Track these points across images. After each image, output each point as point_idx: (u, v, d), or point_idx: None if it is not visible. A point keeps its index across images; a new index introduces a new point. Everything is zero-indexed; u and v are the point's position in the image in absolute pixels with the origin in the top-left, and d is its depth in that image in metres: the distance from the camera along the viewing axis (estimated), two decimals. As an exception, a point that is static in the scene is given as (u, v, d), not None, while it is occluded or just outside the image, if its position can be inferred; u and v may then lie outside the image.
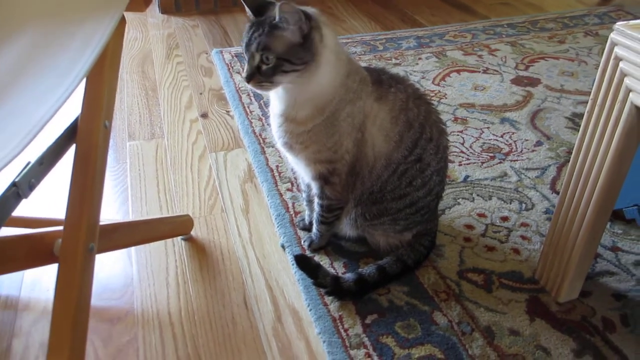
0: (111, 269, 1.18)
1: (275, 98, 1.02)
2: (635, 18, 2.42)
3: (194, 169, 1.49)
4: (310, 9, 0.96)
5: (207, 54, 2.16)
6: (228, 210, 1.34)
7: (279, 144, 1.07)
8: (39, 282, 1.15)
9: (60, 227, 0.80)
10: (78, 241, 0.74)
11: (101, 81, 0.80)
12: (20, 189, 0.65)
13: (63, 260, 0.73)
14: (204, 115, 1.74)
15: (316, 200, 1.13)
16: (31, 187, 0.67)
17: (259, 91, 1.02)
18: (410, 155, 1.04)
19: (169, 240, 1.24)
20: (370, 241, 1.16)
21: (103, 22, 0.80)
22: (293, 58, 0.91)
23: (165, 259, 1.20)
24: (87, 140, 0.78)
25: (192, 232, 1.27)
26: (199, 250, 1.23)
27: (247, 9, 0.96)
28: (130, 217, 1.32)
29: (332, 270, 1.15)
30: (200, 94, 1.86)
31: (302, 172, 1.12)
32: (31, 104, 0.68)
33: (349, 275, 1.08)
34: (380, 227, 1.11)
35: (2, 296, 1.12)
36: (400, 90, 1.04)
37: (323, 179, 1.07)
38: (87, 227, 0.75)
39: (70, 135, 0.78)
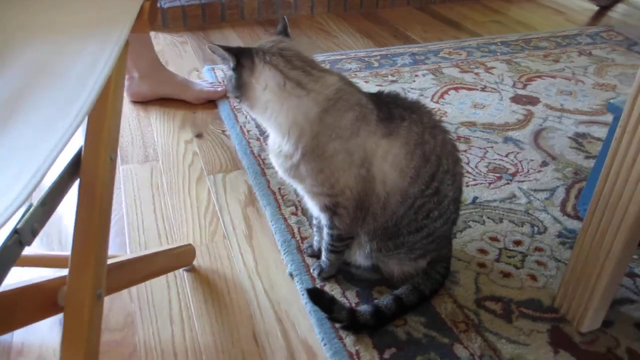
0: (109, 306, 1.10)
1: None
2: (626, 39, 2.44)
3: (192, 193, 1.42)
4: (266, 45, 0.98)
5: (198, 70, 2.10)
6: (230, 237, 1.28)
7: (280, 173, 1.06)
8: (31, 326, 1.06)
9: (63, 271, 0.74)
10: (85, 288, 0.67)
11: (105, 110, 0.74)
12: (22, 235, 0.58)
13: (69, 311, 0.67)
14: (199, 136, 1.67)
15: (325, 230, 1.08)
16: (34, 233, 0.60)
17: (275, 149, 1.04)
18: (428, 189, 0.99)
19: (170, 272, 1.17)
20: (384, 269, 1.10)
21: (106, 46, 0.73)
22: (229, 86, 0.99)
23: (167, 293, 1.13)
24: (91, 175, 0.71)
25: (194, 262, 1.20)
26: (202, 282, 1.16)
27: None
28: (128, 248, 1.25)
29: (344, 300, 1.09)
30: (194, 113, 1.80)
31: (310, 205, 1.09)
32: (32, 140, 0.62)
33: (365, 308, 1.03)
34: (396, 257, 1.06)
35: (-8, 340, 1.04)
36: (415, 122, 0.99)
37: (330, 211, 1.03)
38: (94, 272, 0.69)
39: (73, 169, 0.71)
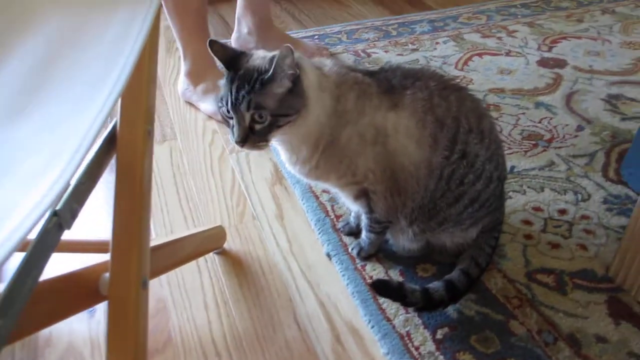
0: (139, 292, 1.04)
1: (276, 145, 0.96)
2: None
3: (215, 172, 1.36)
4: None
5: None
6: (260, 218, 1.22)
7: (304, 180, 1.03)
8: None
9: (101, 255, 0.68)
10: (129, 276, 0.61)
11: (141, 80, 0.67)
12: (62, 218, 0.51)
13: (114, 301, 0.61)
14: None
15: (364, 215, 1.04)
16: (74, 215, 0.54)
17: (253, 152, 0.94)
18: (452, 154, 0.92)
19: (201, 255, 1.11)
20: (435, 243, 1.04)
21: (138, 12, 0.66)
22: (288, 110, 0.85)
23: (199, 277, 1.07)
24: (130, 151, 0.65)
25: (224, 244, 1.14)
26: (235, 265, 1.10)
27: (219, 62, 0.87)
28: (153, 231, 1.18)
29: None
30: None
31: (344, 200, 1.06)
32: (67, 116, 0.55)
33: (437, 284, 0.96)
34: (444, 232, 1.00)
35: (18, 330, 0.98)
36: (420, 89, 0.92)
37: (364, 197, 0.99)
38: (138, 257, 0.62)
39: (109, 145, 0.65)
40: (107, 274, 0.62)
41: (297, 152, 0.93)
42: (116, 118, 0.65)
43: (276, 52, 0.84)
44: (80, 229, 1.09)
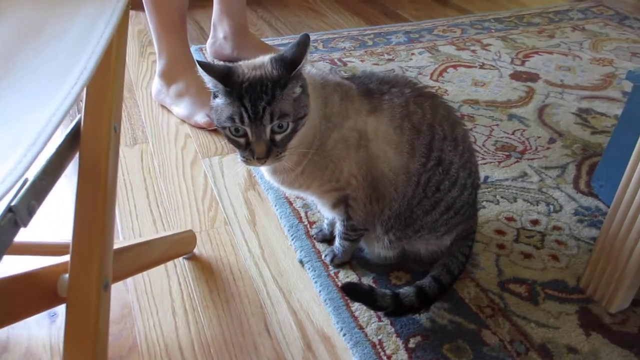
0: (104, 297, 1.01)
1: None
2: (617, 13, 2.41)
3: (187, 176, 1.33)
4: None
5: (183, 51, 1.98)
6: (232, 223, 1.19)
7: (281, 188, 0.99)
8: (17, 317, 0.97)
9: (61, 257, 0.65)
10: (90, 278, 0.58)
11: (107, 75, 0.65)
12: (18, 215, 0.48)
13: (72, 303, 0.57)
14: (190, 117, 1.57)
15: (339, 222, 1.02)
16: (31, 212, 0.50)
17: (271, 166, 0.89)
18: (429, 161, 0.92)
19: (169, 260, 1.08)
20: (410, 250, 1.03)
21: (106, 6, 0.64)
22: (305, 110, 0.81)
23: (167, 282, 1.04)
24: (94, 148, 0.62)
25: (195, 249, 1.11)
26: (205, 270, 1.07)
27: (213, 80, 0.78)
28: (120, 235, 1.15)
29: (361, 288, 1.02)
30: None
31: (320, 207, 1.04)
32: (26, 109, 0.53)
33: (408, 289, 0.94)
34: (419, 239, 0.99)
35: (-26, 337, 0.94)
36: (396, 95, 0.92)
37: (343, 203, 0.97)
38: (100, 258, 0.59)
39: (72, 141, 0.62)
40: (66, 275, 0.59)
41: (288, 159, 0.87)
42: (81, 114, 0.63)
43: (273, 55, 0.82)
44: (46, 230, 1.05)
